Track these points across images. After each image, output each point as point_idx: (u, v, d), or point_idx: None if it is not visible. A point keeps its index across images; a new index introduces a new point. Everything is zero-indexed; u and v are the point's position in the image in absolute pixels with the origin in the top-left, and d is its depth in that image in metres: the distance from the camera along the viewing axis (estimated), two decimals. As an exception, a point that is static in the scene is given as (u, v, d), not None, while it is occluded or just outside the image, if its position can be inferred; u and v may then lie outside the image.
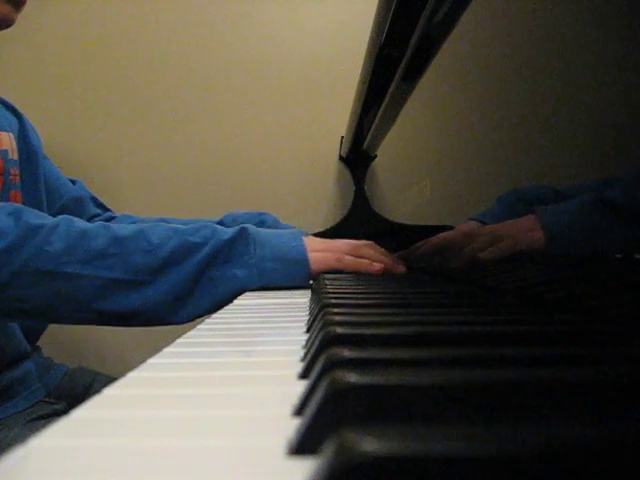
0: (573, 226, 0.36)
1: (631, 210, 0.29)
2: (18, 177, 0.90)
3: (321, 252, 0.68)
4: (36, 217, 0.63)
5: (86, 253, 0.61)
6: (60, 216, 0.65)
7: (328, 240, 0.73)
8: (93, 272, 0.61)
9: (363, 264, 0.69)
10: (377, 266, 0.69)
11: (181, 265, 0.63)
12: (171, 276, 0.63)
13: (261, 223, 0.96)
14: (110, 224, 0.65)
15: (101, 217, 1.05)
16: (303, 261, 0.66)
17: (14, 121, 0.95)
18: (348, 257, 0.69)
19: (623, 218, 0.30)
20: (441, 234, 0.67)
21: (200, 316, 0.65)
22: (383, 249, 0.75)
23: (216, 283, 0.64)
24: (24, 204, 0.89)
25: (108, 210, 1.09)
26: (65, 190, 1.03)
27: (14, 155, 0.90)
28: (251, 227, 0.68)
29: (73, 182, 1.07)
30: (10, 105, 0.97)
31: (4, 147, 0.88)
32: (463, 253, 0.58)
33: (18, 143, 0.92)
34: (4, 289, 0.60)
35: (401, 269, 0.71)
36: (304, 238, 0.69)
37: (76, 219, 0.65)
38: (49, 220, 0.63)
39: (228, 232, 0.66)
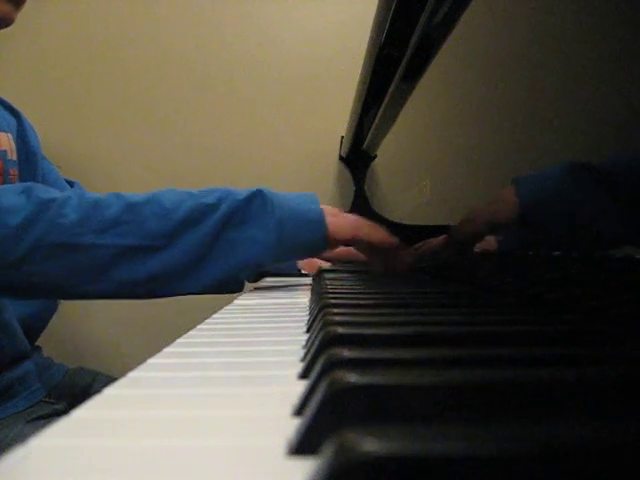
0: (551, 193, 0.35)
1: (616, 179, 0.29)
2: (17, 177, 0.90)
3: (338, 217, 0.67)
4: (47, 192, 0.63)
5: (100, 222, 0.61)
6: (71, 189, 0.65)
7: (340, 211, 0.72)
8: (108, 241, 0.61)
9: (382, 233, 0.68)
10: (392, 239, 0.68)
11: (197, 227, 0.63)
12: (187, 239, 0.62)
13: None
14: (122, 193, 0.65)
15: None
16: (321, 224, 0.65)
17: (12, 121, 0.95)
18: (368, 225, 0.68)
19: (610, 189, 0.29)
20: (441, 236, 0.67)
21: (224, 281, 0.64)
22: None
23: (235, 245, 0.64)
24: None
25: None
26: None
27: (13, 155, 0.90)
28: (266, 189, 0.66)
29: (71, 184, 1.07)
30: (8, 105, 0.97)
31: (3, 148, 0.88)
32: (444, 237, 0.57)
33: (17, 143, 0.92)
34: (20, 265, 0.59)
35: (405, 262, 0.70)
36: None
37: (87, 192, 0.65)
38: (60, 194, 0.63)
39: (243, 192, 0.65)
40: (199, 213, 0.63)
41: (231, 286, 0.66)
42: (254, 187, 0.66)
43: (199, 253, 0.63)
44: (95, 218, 0.61)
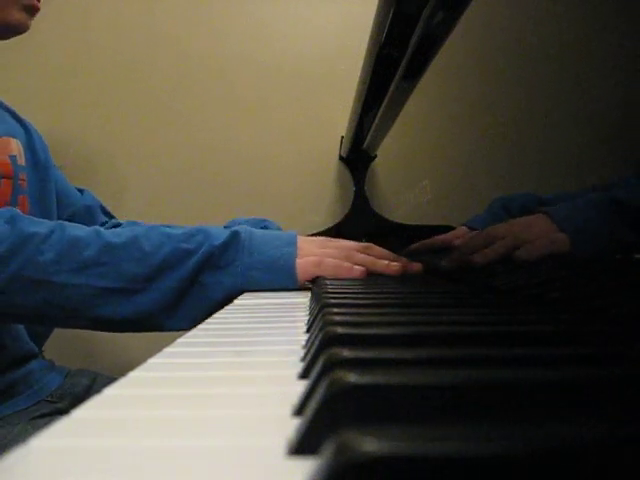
0: (592, 227, 0.35)
1: (635, 209, 0.29)
2: (26, 182, 0.91)
3: (305, 258, 0.67)
4: (30, 224, 0.63)
5: (77, 262, 0.62)
6: (54, 222, 0.65)
7: (327, 241, 0.71)
8: (84, 281, 0.61)
9: (343, 269, 0.66)
10: (357, 271, 0.66)
11: (173, 272, 0.63)
12: (163, 284, 0.63)
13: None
14: (103, 230, 0.66)
15: (108, 225, 1.06)
16: (290, 270, 0.65)
17: (21, 130, 0.97)
18: (329, 261, 0.66)
19: (629, 218, 0.30)
20: (436, 237, 0.67)
21: (194, 322, 0.65)
22: (381, 251, 0.72)
23: (206, 289, 0.64)
24: (32, 209, 0.91)
25: (113, 217, 1.12)
26: (75, 199, 1.06)
27: (22, 161, 0.92)
28: (244, 231, 0.67)
29: (81, 191, 1.10)
30: (17, 115, 1.00)
31: (13, 152, 0.90)
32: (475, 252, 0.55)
33: (25, 151, 0.94)
34: None
35: (396, 269, 0.68)
36: (300, 241, 0.68)
37: (70, 225, 0.65)
38: (43, 228, 0.63)
39: (221, 237, 0.65)
40: (177, 258, 0.64)
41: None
42: (233, 229, 0.66)
43: (174, 297, 0.64)
44: (72, 257, 0.62)
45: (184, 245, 0.64)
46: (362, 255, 0.69)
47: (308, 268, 0.66)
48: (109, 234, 0.65)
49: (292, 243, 0.67)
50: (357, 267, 0.67)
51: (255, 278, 0.64)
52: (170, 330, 0.65)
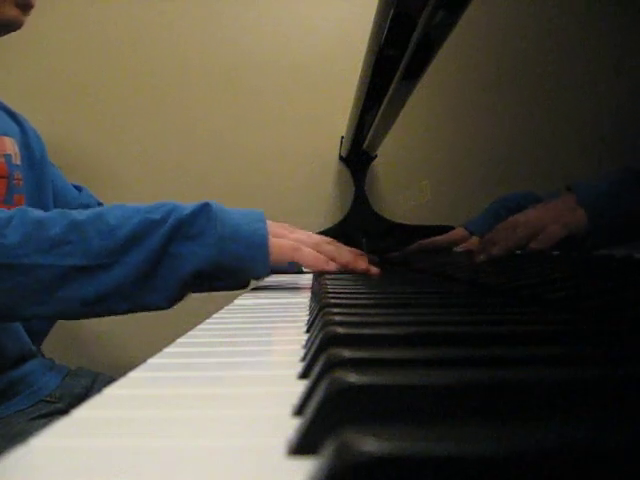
0: (617, 205, 0.33)
1: None
2: (22, 181, 0.91)
3: (282, 239, 0.67)
4: None
5: (43, 242, 0.60)
6: (15, 208, 0.64)
7: (292, 227, 0.72)
8: (52, 261, 0.60)
9: (320, 260, 0.67)
10: (332, 265, 0.68)
11: (142, 243, 0.62)
12: (133, 256, 0.62)
13: None
14: (68, 210, 0.64)
15: None
16: (263, 246, 0.64)
17: (15, 128, 0.96)
18: (308, 250, 0.67)
19: None
20: (433, 238, 0.68)
21: (171, 298, 0.64)
22: (347, 247, 0.74)
23: (178, 260, 0.63)
24: None
25: None
26: (72, 198, 1.05)
27: (17, 160, 0.91)
28: (214, 203, 0.66)
29: (79, 189, 1.09)
30: (11, 112, 0.98)
31: (8, 152, 0.89)
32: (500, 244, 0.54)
33: (20, 150, 0.93)
34: None
35: (363, 266, 0.70)
36: (269, 222, 0.67)
37: (32, 209, 0.64)
38: (3, 213, 0.62)
39: (189, 207, 0.65)
40: (144, 229, 0.62)
41: (178, 300, 0.65)
42: (203, 201, 0.66)
43: (147, 269, 0.62)
44: (38, 237, 0.60)
45: (151, 216, 0.63)
46: (330, 247, 0.70)
47: (286, 251, 0.66)
48: (74, 213, 0.63)
49: (261, 220, 0.67)
50: (332, 262, 0.68)
51: (229, 250, 0.63)
52: (147, 308, 0.64)
